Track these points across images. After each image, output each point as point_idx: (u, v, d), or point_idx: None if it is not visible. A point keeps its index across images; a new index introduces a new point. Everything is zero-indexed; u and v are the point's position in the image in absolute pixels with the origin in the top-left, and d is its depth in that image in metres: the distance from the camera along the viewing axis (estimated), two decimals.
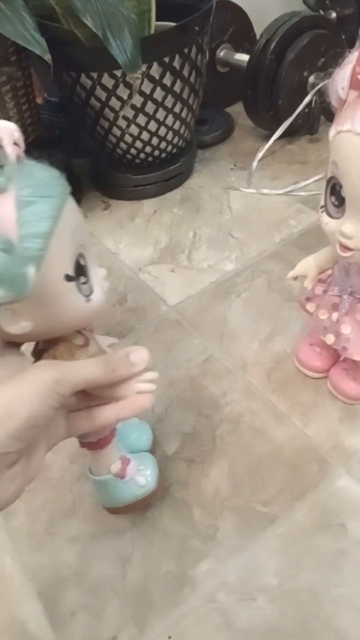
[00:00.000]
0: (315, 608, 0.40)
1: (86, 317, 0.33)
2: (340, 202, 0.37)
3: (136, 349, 0.33)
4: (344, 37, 0.84)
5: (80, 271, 0.31)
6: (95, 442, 0.40)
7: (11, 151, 0.27)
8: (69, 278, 0.30)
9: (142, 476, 0.44)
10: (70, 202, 0.30)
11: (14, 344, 0.33)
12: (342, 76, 0.36)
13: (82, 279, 0.32)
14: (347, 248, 0.38)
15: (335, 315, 0.45)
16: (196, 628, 0.40)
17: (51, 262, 0.28)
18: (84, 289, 0.32)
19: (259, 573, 0.42)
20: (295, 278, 0.49)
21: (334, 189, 0.37)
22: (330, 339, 0.47)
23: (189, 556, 0.44)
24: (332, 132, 0.36)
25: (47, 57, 0.57)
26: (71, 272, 0.30)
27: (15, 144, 0.28)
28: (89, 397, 0.32)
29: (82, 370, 0.30)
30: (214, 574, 0.43)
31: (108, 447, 0.41)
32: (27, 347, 0.34)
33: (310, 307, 0.49)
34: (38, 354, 0.35)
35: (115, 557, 0.45)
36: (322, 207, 0.39)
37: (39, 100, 0.87)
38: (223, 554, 0.44)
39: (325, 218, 0.39)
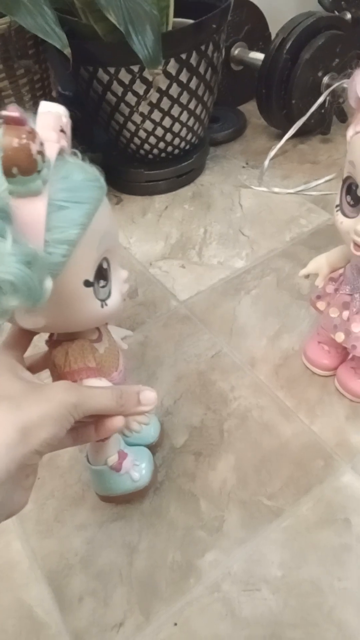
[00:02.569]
0: (317, 600, 0.41)
1: (100, 319, 0.34)
2: (356, 202, 0.38)
3: (146, 390, 0.34)
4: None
5: (101, 275, 0.32)
6: None
7: (56, 138, 0.27)
8: (87, 284, 0.30)
9: (137, 471, 0.45)
10: (104, 206, 0.30)
11: (10, 347, 0.33)
12: None
13: (102, 283, 0.32)
14: None
15: (346, 314, 0.46)
16: (201, 616, 0.41)
17: (73, 267, 0.28)
18: (102, 292, 0.32)
19: (263, 565, 0.43)
20: (307, 276, 0.50)
21: (350, 188, 0.38)
22: (340, 337, 0.47)
23: (195, 546, 0.45)
24: (350, 132, 0.37)
25: (67, 51, 0.58)
26: (91, 278, 0.30)
27: (62, 130, 0.27)
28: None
29: (97, 399, 0.32)
30: (219, 564, 0.43)
31: (108, 440, 0.42)
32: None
33: (321, 305, 0.49)
34: (53, 345, 0.36)
35: (122, 546, 0.45)
36: (337, 206, 0.40)
37: (53, 94, 0.88)
38: (228, 545, 0.44)
39: (340, 217, 0.40)
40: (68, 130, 0.28)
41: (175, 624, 0.41)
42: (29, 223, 0.25)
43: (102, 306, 0.32)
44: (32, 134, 0.24)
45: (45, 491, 0.49)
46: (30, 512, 0.48)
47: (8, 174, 0.24)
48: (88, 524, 0.47)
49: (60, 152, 0.27)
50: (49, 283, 0.26)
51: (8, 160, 0.24)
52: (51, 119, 0.27)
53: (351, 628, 0.40)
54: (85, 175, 0.28)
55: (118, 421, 0.34)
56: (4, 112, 0.23)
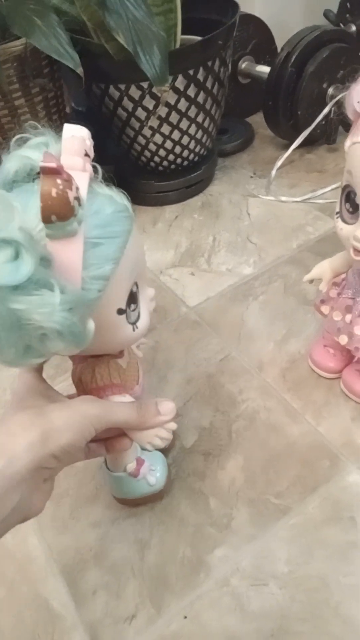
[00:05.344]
0: (324, 595, 0.42)
1: (131, 342, 0.35)
2: (355, 209, 0.40)
3: (163, 401, 0.36)
4: None
5: (132, 299, 0.32)
6: None
7: (82, 164, 0.27)
8: (120, 312, 0.31)
9: (153, 476, 0.47)
10: (134, 235, 0.30)
11: (32, 369, 0.35)
12: (357, 91, 0.38)
13: (132, 307, 0.32)
14: None
15: (348, 317, 0.48)
16: (210, 610, 0.42)
17: (107, 298, 0.29)
18: (132, 315, 0.33)
19: (271, 561, 0.44)
20: (311, 281, 0.51)
21: (349, 196, 0.40)
22: (343, 339, 0.49)
23: (205, 543, 0.46)
24: (347, 142, 0.39)
25: (80, 70, 0.61)
26: (124, 306, 0.31)
27: (86, 154, 0.28)
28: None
29: (118, 412, 0.33)
30: (228, 560, 0.45)
31: (127, 451, 0.44)
32: None
33: (325, 309, 0.51)
34: (78, 360, 0.37)
35: (134, 542, 0.47)
36: (337, 213, 0.42)
37: (67, 110, 0.91)
38: (237, 541, 0.46)
39: (340, 224, 0.41)
40: (91, 152, 0.29)
41: (186, 617, 0.42)
42: (68, 264, 0.26)
43: (133, 330, 0.33)
44: (69, 182, 0.25)
45: (60, 489, 0.51)
46: (46, 509, 0.49)
47: (47, 221, 0.25)
48: (101, 521, 0.49)
49: (89, 183, 0.28)
50: (91, 325, 0.27)
51: (47, 209, 0.24)
52: (76, 144, 0.27)
53: (357, 623, 0.40)
54: (115, 207, 0.29)
55: (126, 443, 0.37)
56: (42, 163, 0.24)
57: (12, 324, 0.25)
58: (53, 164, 0.24)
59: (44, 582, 0.46)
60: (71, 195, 0.25)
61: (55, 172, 0.24)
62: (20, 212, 0.25)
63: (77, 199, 0.25)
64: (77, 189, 0.25)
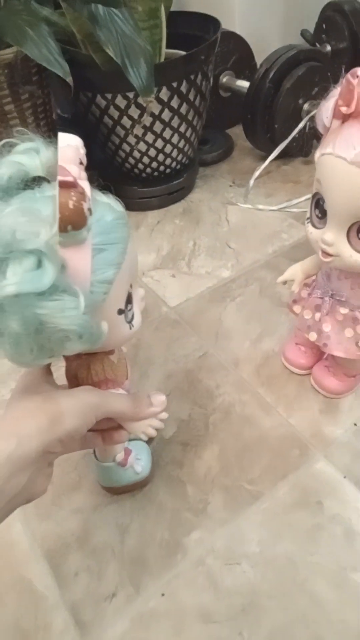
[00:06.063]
0: (292, 573, 0.45)
1: (127, 339, 0.38)
2: (323, 214, 0.43)
3: (155, 394, 0.39)
4: (329, 74, 0.91)
5: (128, 299, 0.35)
6: None
7: (77, 172, 0.28)
8: (120, 312, 0.34)
9: (139, 465, 0.49)
10: (131, 241, 0.32)
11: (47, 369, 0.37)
12: (326, 107, 0.42)
13: (129, 306, 0.35)
14: (327, 254, 0.43)
15: (317, 315, 0.51)
16: (187, 588, 0.45)
17: (110, 300, 0.31)
18: (129, 314, 0.35)
19: (244, 542, 0.47)
20: (284, 282, 0.55)
21: (318, 203, 0.43)
22: (313, 336, 0.52)
23: (182, 526, 0.49)
24: (317, 154, 0.42)
25: (69, 79, 0.63)
26: (123, 306, 0.34)
27: (81, 162, 0.29)
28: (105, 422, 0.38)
29: (116, 402, 0.36)
30: (204, 542, 0.48)
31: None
32: None
33: (297, 308, 0.55)
34: (72, 357, 0.39)
35: (114, 527, 0.49)
36: (307, 218, 0.45)
37: (53, 117, 0.94)
38: (212, 525, 0.49)
39: (310, 228, 0.45)
40: (85, 161, 0.30)
41: (163, 595, 0.45)
42: (79, 269, 0.28)
43: (130, 328, 0.35)
44: (83, 194, 0.27)
45: None
46: None
47: (63, 230, 0.27)
48: (84, 507, 0.51)
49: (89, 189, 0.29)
50: (105, 326, 0.30)
51: (65, 220, 0.26)
52: (71, 152, 0.28)
53: (321, 597, 0.44)
54: (114, 215, 0.30)
55: (124, 435, 0.39)
56: (60, 178, 0.26)
57: (36, 328, 0.27)
58: (70, 178, 0.26)
59: (28, 566, 0.47)
60: (85, 206, 0.27)
61: (72, 185, 0.26)
62: (46, 224, 0.27)
63: (90, 210, 0.28)
64: (89, 200, 0.28)
